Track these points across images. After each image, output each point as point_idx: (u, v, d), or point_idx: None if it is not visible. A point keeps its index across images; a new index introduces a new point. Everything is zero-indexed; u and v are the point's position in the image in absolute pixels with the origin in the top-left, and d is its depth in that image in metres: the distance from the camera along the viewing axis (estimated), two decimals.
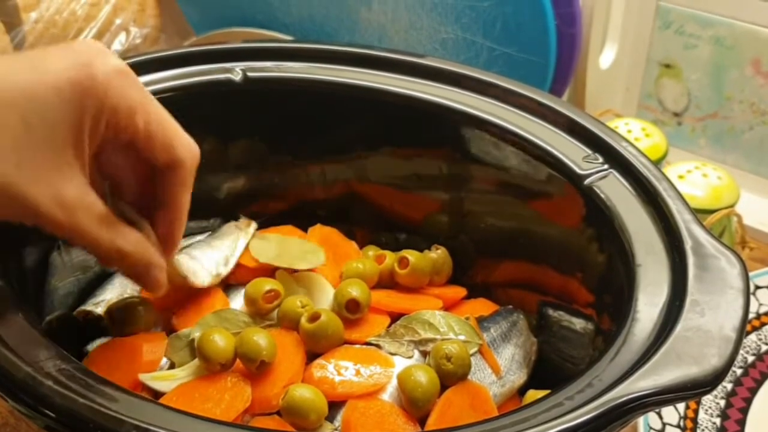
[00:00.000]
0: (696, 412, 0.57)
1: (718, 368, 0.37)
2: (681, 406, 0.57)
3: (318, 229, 0.58)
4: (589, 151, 0.50)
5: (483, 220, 0.56)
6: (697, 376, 0.36)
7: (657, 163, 0.59)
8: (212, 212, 0.59)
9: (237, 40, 0.59)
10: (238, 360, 0.45)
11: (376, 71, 0.56)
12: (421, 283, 0.54)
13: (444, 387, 0.46)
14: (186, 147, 0.41)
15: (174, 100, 0.54)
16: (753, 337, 0.62)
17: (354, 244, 0.58)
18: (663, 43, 0.82)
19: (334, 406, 0.45)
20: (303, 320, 0.47)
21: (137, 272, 0.42)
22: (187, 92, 0.55)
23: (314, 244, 0.55)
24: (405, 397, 0.45)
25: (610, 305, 0.46)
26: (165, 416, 0.35)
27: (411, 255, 0.53)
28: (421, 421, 0.44)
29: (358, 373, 0.46)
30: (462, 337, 0.49)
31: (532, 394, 0.49)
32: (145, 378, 0.45)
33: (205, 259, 0.53)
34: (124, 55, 0.83)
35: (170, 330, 0.50)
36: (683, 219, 0.44)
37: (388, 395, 0.46)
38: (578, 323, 0.50)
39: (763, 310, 0.63)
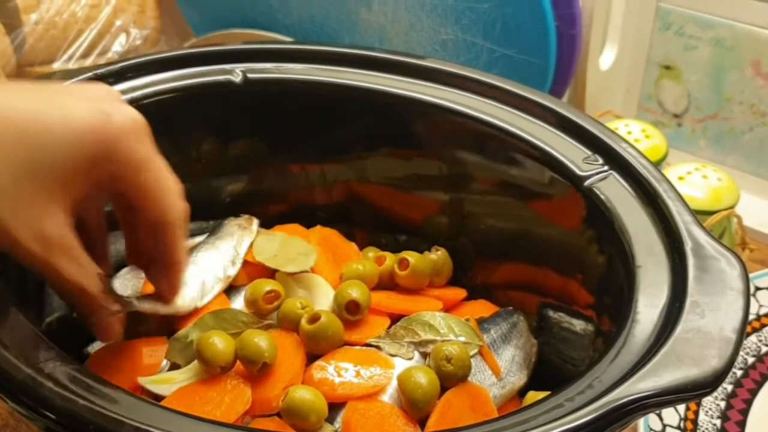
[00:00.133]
0: (696, 413, 0.57)
1: (718, 370, 0.37)
2: (681, 407, 0.57)
3: (318, 231, 0.58)
4: (589, 153, 0.50)
5: (483, 222, 0.56)
6: (697, 377, 0.36)
7: (657, 165, 0.59)
8: (212, 214, 0.59)
9: (237, 42, 0.59)
10: (238, 362, 0.45)
11: (376, 72, 0.56)
12: (421, 285, 0.54)
13: (444, 388, 0.46)
14: (177, 208, 0.42)
15: (174, 102, 0.54)
16: (753, 338, 0.62)
17: (354, 246, 0.58)
18: (663, 45, 0.82)
19: (334, 407, 0.45)
20: (303, 321, 0.47)
21: (91, 313, 0.42)
22: (188, 94, 0.55)
23: (311, 245, 0.55)
24: (405, 399, 0.45)
25: (610, 306, 0.46)
26: (165, 418, 0.35)
27: (411, 256, 0.53)
28: (421, 423, 0.44)
29: (358, 374, 0.46)
30: (462, 339, 0.49)
31: (532, 396, 0.49)
32: (145, 381, 0.45)
33: (211, 264, 0.53)
34: (124, 56, 0.83)
35: (171, 332, 0.50)
36: (683, 220, 0.44)
37: (388, 397, 0.46)
38: (578, 325, 0.50)
39: (763, 311, 0.63)
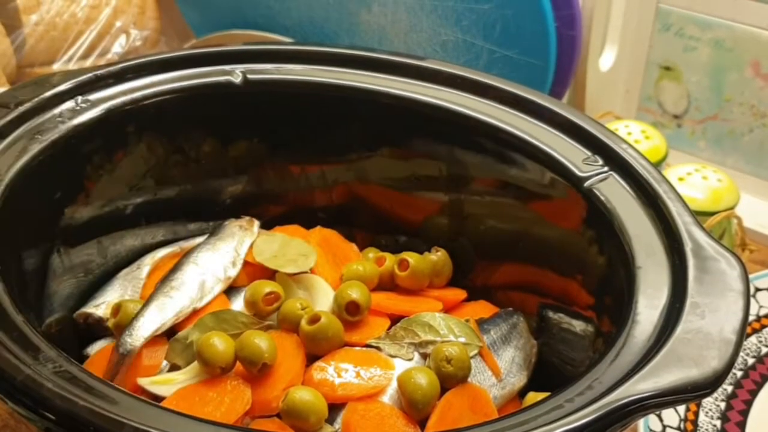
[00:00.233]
0: (696, 414, 0.57)
1: (718, 370, 0.37)
2: (681, 408, 0.57)
3: (318, 232, 0.58)
4: (589, 154, 0.50)
5: (483, 222, 0.56)
6: (697, 378, 0.36)
7: (657, 166, 0.59)
8: (213, 215, 0.59)
9: (237, 43, 0.59)
10: (237, 362, 0.45)
11: (377, 73, 0.56)
12: (421, 286, 0.54)
13: (444, 389, 0.46)
14: None
15: (174, 103, 0.55)
16: (753, 339, 0.62)
17: (354, 247, 0.58)
18: (663, 46, 0.82)
19: (334, 408, 0.45)
20: (303, 322, 0.47)
21: None
22: (188, 94, 0.55)
23: (311, 246, 0.55)
24: (405, 400, 0.45)
25: (610, 307, 0.46)
26: (165, 419, 0.35)
27: (411, 257, 0.53)
28: (421, 424, 0.44)
29: (358, 375, 0.46)
30: (462, 340, 0.49)
31: (532, 397, 0.49)
32: (144, 382, 0.45)
33: (211, 265, 0.53)
34: (124, 57, 0.83)
35: (172, 333, 0.50)
36: (683, 221, 0.44)
37: (388, 397, 0.46)
38: (578, 325, 0.50)
39: (763, 312, 0.63)
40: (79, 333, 0.52)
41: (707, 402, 0.58)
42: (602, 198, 0.47)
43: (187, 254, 0.54)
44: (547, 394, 0.39)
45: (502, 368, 0.50)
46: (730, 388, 0.59)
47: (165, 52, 0.57)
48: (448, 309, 0.54)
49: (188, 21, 0.92)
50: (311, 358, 0.47)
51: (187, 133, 0.56)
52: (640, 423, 0.56)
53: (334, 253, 0.56)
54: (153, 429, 0.34)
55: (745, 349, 0.61)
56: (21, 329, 0.39)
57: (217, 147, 0.58)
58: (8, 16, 0.79)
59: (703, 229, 0.44)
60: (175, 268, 0.52)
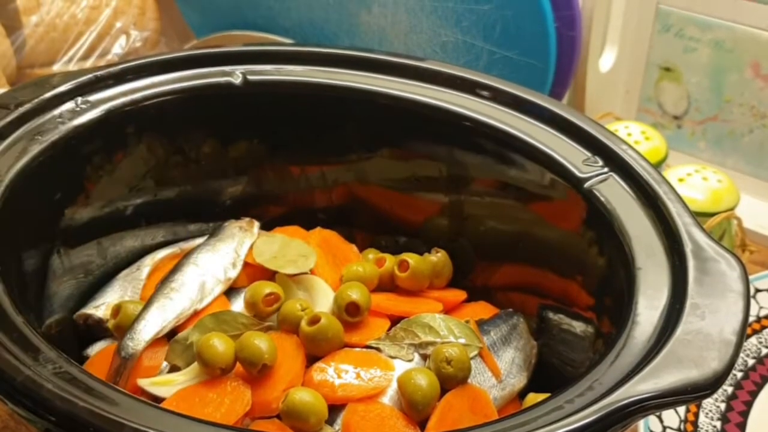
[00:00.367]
0: (696, 415, 0.57)
1: (718, 371, 0.37)
2: (681, 409, 0.57)
3: (318, 232, 0.58)
4: (589, 154, 0.50)
5: (483, 223, 0.56)
6: (697, 379, 0.36)
7: (657, 166, 0.59)
8: (213, 216, 0.59)
9: (237, 44, 0.59)
10: (237, 363, 0.45)
11: (376, 74, 0.56)
12: (421, 287, 0.54)
13: (444, 390, 0.46)
14: None
15: (174, 104, 0.55)
16: (753, 340, 0.62)
17: (354, 247, 0.58)
18: (663, 46, 0.82)
19: (334, 409, 0.44)
20: (303, 323, 0.47)
21: None
22: (188, 95, 0.55)
23: (311, 247, 0.55)
24: (405, 401, 0.45)
25: (610, 308, 0.46)
26: (165, 420, 0.35)
27: (411, 258, 0.53)
28: (421, 425, 0.44)
29: (358, 376, 0.46)
30: (462, 341, 0.49)
31: (532, 398, 0.49)
32: (144, 383, 0.45)
33: (211, 266, 0.53)
34: (124, 58, 0.83)
35: (172, 334, 0.50)
36: (683, 222, 0.44)
37: (388, 398, 0.46)
38: (578, 326, 0.50)
39: (763, 313, 0.63)
40: (79, 334, 0.52)
41: (707, 403, 0.58)
42: (602, 199, 0.47)
43: (187, 255, 0.54)
44: (547, 395, 0.38)
45: (502, 369, 0.49)
46: (730, 389, 0.59)
47: (165, 53, 0.57)
48: (448, 310, 0.54)
49: (188, 22, 0.92)
50: (311, 359, 0.47)
51: (187, 134, 0.56)
52: (641, 424, 0.56)
53: (334, 254, 0.56)
54: (153, 430, 0.34)
55: (745, 350, 0.61)
56: (21, 330, 0.39)
57: (217, 148, 0.58)
58: (8, 17, 0.79)
59: (703, 230, 0.44)
60: (175, 269, 0.52)
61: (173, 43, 0.91)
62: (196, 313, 0.50)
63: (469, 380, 0.47)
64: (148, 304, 0.49)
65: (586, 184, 0.48)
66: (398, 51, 0.75)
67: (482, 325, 0.52)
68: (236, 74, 0.56)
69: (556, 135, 0.51)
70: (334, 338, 0.47)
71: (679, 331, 0.39)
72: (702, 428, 0.56)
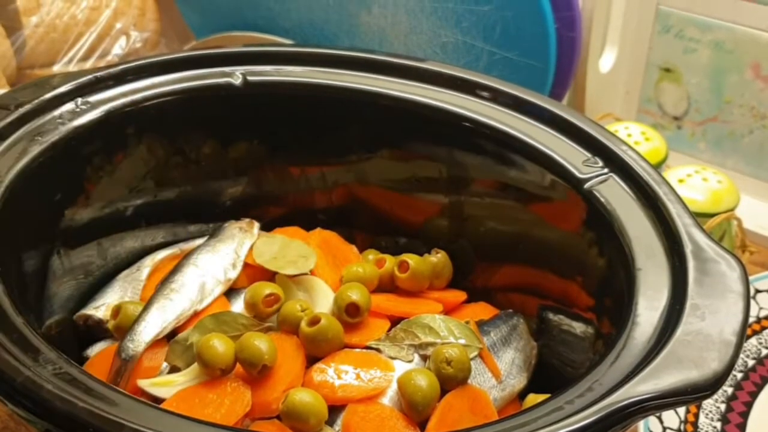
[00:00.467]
0: (696, 416, 0.57)
1: (718, 372, 0.37)
2: (681, 410, 0.57)
3: (318, 233, 0.58)
4: (589, 155, 0.50)
5: (483, 224, 0.56)
6: (697, 380, 0.36)
7: (657, 167, 0.59)
8: (213, 216, 0.59)
9: (237, 45, 0.59)
10: (237, 364, 0.45)
11: (377, 75, 0.56)
12: (421, 287, 0.54)
13: (444, 391, 0.46)
14: None
15: (174, 104, 0.55)
16: (753, 341, 0.62)
17: (354, 248, 0.58)
18: (663, 47, 0.82)
19: (334, 410, 0.44)
20: (303, 324, 0.47)
21: None
22: (188, 96, 0.55)
23: (311, 248, 0.55)
24: (405, 401, 0.45)
25: (610, 309, 0.46)
26: (165, 420, 0.35)
27: (411, 259, 0.53)
28: (421, 425, 0.44)
29: (358, 377, 0.46)
30: (462, 341, 0.49)
31: (532, 398, 0.49)
32: (144, 384, 0.45)
33: (211, 267, 0.53)
34: (124, 59, 0.83)
35: (172, 335, 0.50)
36: (683, 223, 0.44)
37: (388, 399, 0.45)
38: (578, 327, 0.50)
39: (763, 314, 0.63)
40: (79, 335, 0.52)
41: (707, 404, 0.58)
42: (602, 200, 0.47)
43: (187, 256, 0.54)
44: (547, 395, 0.38)
45: (502, 370, 0.49)
46: (730, 390, 0.59)
47: (165, 54, 0.57)
48: (448, 311, 0.54)
49: (188, 23, 0.92)
50: (311, 360, 0.47)
51: (187, 135, 0.56)
52: (641, 425, 0.56)
53: (334, 254, 0.56)
54: (152, 431, 0.34)
55: (745, 351, 0.61)
56: (21, 331, 0.39)
57: (217, 149, 0.58)
58: (8, 18, 0.79)
59: (703, 230, 0.44)
60: (175, 270, 0.52)
61: (173, 44, 0.91)
62: (196, 314, 0.50)
63: (469, 381, 0.47)
64: (148, 305, 0.49)
65: (586, 185, 0.48)
66: (398, 52, 0.75)
67: (482, 325, 0.52)
68: (236, 75, 0.56)
69: (556, 136, 0.51)
70: (334, 339, 0.47)
71: (679, 331, 0.39)
72: (702, 429, 0.56)
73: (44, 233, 0.50)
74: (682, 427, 0.56)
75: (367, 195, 0.59)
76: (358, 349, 0.48)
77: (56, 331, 0.50)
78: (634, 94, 0.86)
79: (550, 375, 0.52)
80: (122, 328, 0.49)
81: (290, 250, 0.55)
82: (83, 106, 0.52)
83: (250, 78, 0.56)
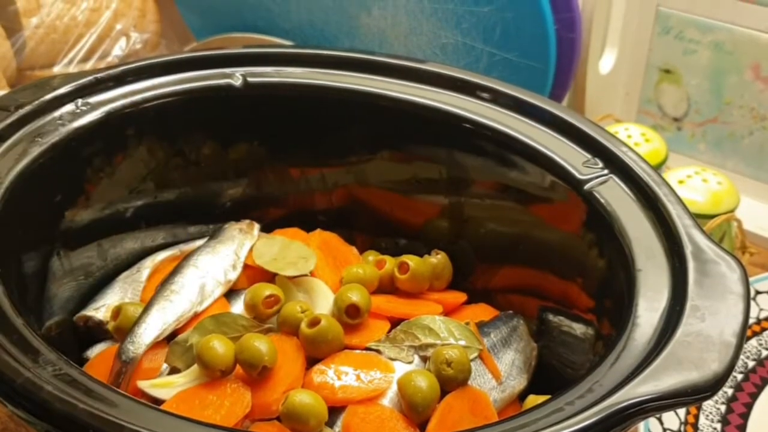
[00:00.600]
0: (697, 417, 0.57)
1: (718, 373, 0.37)
2: (682, 411, 0.57)
3: (318, 234, 0.58)
4: (589, 156, 0.50)
5: (483, 225, 0.56)
6: (697, 381, 0.36)
7: (657, 168, 0.59)
8: (213, 218, 0.59)
9: (237, 46, 0.59)
10: (237, 365, 0.45)
11: (377, 76, 0.56)
12: (421, 288, 0.54)
13: (444, 392, 0.46)
14: None
15: (174, 106, 0.55)
16: (753, 342, 0.62)
17: (354, 249, 0.58)
18: (663, 49, 0.82)
19: (334, 411, 0.44)
20: (303, 325, 0.47)
21: None
22: (188, 97, 0.55)
23: (311, 249, 0.55)
24: (405, 403, 0.45)
25: (610, 310, 0.46)
26: (165, 422, 0.35)
27: (411, 260, 0.53)
28: (421, 427, 0.44)
29: (358, 378, 0.46)
30: (462, 343, 0.49)
31: (533, 400, 0.49)
32: (144, 385, 0.45)
33: (211, 268, 0.53)
34: (124, 60, 0.83)
35: (172, 336, 0.50)
36: (683, 224, 0.44)
37: (388, 400, 0.45)
38: (578, 328, 0.50)
39: (763, 315, 0.63)
40: (79, 336, 0.52)
41: (707, 405, 0.58)
42: (602, 201, 0.47)
43: (187, 257, 0.54)
44: (547, 397, 0.38)
45: (502, 371, 0.49)
46: (730, 391, 0.59)
47: (165, 55, 0.57)
48: (448, 312, 0.54)
49: (188, 24, 0.92)
50: (311, 361, 0.47)
51: (187, 136, 0.56)
52: (641, 426, 0.56)
53: (334, 256, 0.56)
54: None
55: (745, 352, 0.61)
56: (21, 332, 0.39)
57: (217, 150, 0.58)
58: (8, 19, 0.80)
59: (703, 232, 0.44)
60: (175, 272, 0.52)
61: (173, 45, 0.91)
62: (196, 315, 0.50)
63: (469, 382, 0.47)
64: (148, 306, 0.49)
65: (586, 186, 0.48)
66: (398, 53, 0.75)
67: (482, 327, 0.52)
68: (236, 76, 0.56)
69: (556, 137, 0.51)
70: (334, 340, 0.47)
71: (679, 332, 0.39)
72: (702, 430, 0.56)
73: (44, 234, 0.50)
74: (682, 429, 0.56)
75: (368, 196, 0.59)
76: (358, 351, 0.48)
77: (56, 333, 0.50)
78: (634, 96, 0.86)
79: (550, 376, 0.52)
80: (122, 329, 0.49)
81: (290, 251, 0.55)
82: (83, 108, 0.52)
83: (250, 79, 0.56)
